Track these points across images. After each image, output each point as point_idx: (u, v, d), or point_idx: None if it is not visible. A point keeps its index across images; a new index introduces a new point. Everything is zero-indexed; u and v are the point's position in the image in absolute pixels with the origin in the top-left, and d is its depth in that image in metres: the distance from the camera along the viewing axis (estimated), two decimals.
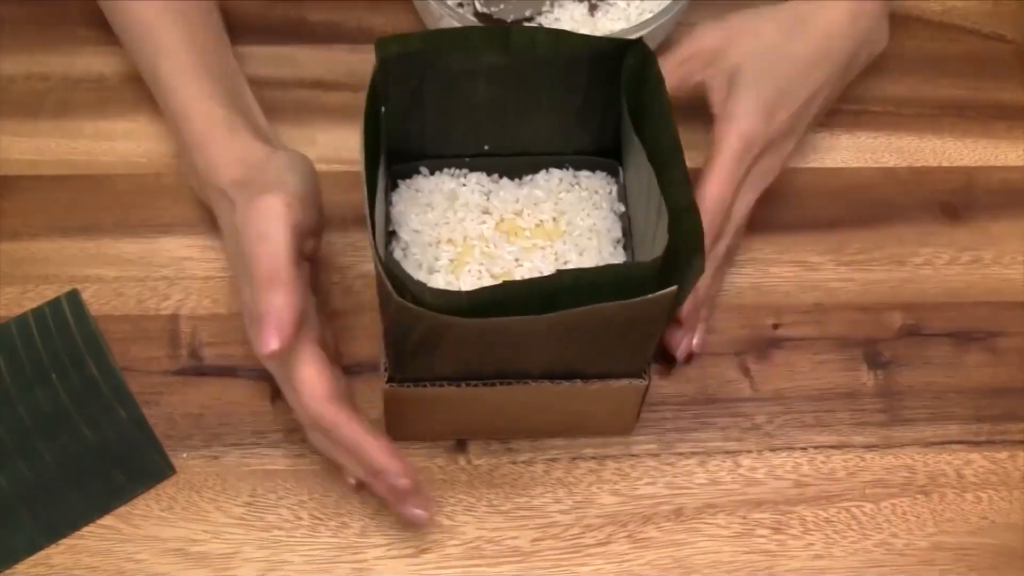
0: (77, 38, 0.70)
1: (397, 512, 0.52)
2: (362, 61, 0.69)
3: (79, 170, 0.65)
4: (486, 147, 0.58)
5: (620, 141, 0.57)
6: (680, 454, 0.57)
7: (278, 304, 0.48)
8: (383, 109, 0.52)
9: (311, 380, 0.49)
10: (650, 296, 0.46)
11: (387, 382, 0.51)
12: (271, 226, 0.50)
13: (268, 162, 0.54)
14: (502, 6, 0.65)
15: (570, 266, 0.55)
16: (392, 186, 0.58)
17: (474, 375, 0.51)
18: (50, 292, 0.60)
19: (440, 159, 0.58)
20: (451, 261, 0.55)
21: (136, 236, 0.62)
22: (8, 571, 0.52)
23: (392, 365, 0.51)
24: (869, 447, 0.58)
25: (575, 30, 0.66)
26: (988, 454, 0.58)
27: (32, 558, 0.53)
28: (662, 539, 0.55)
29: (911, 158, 0.68)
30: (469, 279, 0.54)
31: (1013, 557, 0.55)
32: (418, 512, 0.51)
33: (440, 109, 0.55)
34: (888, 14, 0.64)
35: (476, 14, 0.66)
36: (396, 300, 0.45)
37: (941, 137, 0.69)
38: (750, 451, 0.57)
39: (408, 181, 0.58)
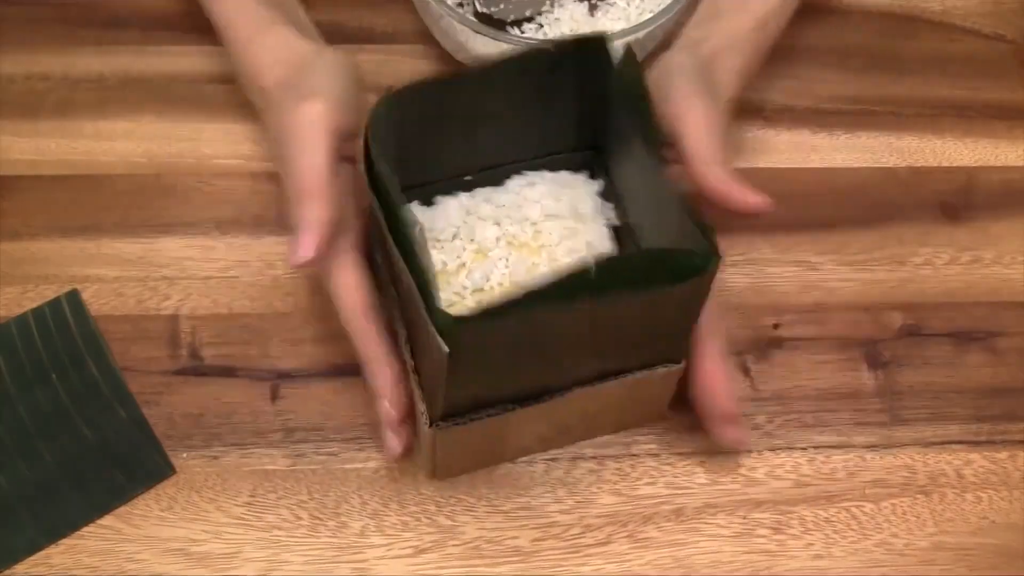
0: (77, 38, 0.70)
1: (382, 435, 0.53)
2: (363, 61, 0.69)
3: (79, 170, 0.65)
4: (468, 177, 0.57)
5: (594, 135, 0.57)
6: (680, 454, 0.57)
7: (312, 217, 0.50)
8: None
9: (346, 289, 0.52)
10: (706, 274, 0.46)
11: (431, 426, 0.50)
12: (309, 136, 0.51)
13: (311, 63, 0.56)
14: (502, 6, 0.65)
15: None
16: None
17: (517, 396, 0.50)
18: (50, 292, 0.60)
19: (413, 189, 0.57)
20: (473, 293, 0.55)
21: (136, 236, 0.62)
22: (8, 571, 0.52)
23: (430, 407, 0.50)
24: (869, 447, 0.58)
25: (575, 30, 0.66)
26: (988, 454, 0.58)
27: (32, 558, 0.53)
28: (662, 539, 0.55)
29: (911, 158, 0.68)
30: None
31: (1013, 557, 0.55)
32: (392, 444, 0.52)
33: (416, 144, 0.54)
34: None
35: (476, 14, 0.66)
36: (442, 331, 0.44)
37: (941, 137, 0.69)
38: (750, 451, 0.57)
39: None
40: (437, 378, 0.47)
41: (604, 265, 0.44)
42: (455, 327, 0.44)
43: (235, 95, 0.67)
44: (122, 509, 0.54)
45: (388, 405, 0.52)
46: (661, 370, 0.52)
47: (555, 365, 0.49)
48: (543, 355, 0.48)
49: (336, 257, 0.52)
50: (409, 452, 0.54)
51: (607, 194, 0.58)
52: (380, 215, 0.49)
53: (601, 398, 0.52)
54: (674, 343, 0.52)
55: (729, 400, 0.54)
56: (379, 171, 0.48)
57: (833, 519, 0.56)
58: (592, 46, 0.52)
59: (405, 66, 0.69)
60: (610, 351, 0.50)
